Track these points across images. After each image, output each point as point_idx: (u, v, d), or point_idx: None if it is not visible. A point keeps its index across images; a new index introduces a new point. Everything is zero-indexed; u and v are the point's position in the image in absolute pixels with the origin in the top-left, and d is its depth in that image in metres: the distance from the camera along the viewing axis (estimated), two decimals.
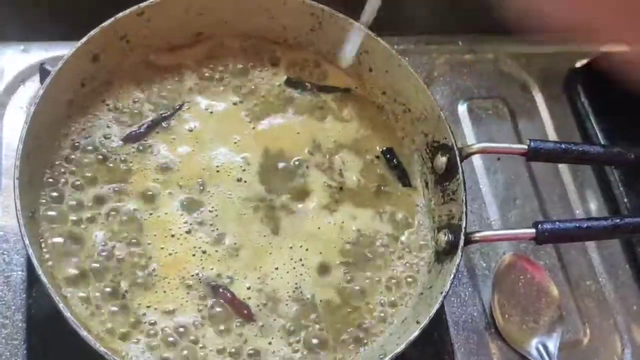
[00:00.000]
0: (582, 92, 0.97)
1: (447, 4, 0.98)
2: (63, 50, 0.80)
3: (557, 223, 0.66)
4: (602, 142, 0.92)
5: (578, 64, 1.00)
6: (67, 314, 0.55)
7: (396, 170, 0.76)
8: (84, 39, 0.66)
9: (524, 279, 0.82)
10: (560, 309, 0.80)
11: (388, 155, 0.77)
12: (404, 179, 0.76)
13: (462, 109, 0.93)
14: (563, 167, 0.91)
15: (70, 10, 0.85)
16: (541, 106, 0.97)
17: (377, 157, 0.77)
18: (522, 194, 0.89)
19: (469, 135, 0.92)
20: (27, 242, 0.56)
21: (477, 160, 0.89)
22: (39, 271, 0.55)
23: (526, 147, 0.69)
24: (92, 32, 0.66)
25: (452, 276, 0.65)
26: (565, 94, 0.97)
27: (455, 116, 0.92)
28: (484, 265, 0.83)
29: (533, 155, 0.69)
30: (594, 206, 0.91)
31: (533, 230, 0.67)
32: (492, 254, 0.83)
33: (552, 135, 0.95)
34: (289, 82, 0.78)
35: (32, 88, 0.78)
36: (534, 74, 0.98)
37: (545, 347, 0.77)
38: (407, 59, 0.90)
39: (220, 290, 0.65)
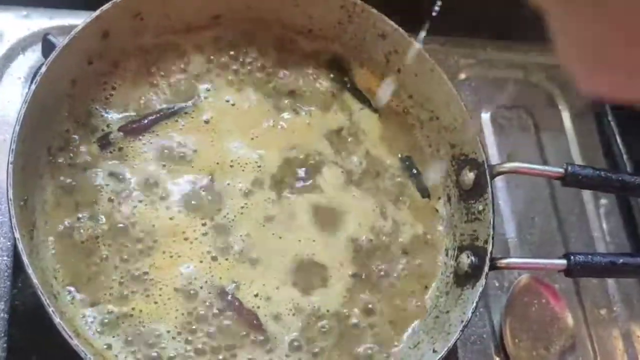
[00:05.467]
0: (609, 110, 0.92)
1: (479, 8, 0.93)
2: (68, 19, 0.75)
3: (589, 256, 0.61)
4: (627, 165, 0.88)
5: None
6: (57, 320, 0.49)
7: (416, 179, 0.72)
8: (95, 14, 0.60)
9: (539, 303, 0.78)
10: (573, 338, 0.77)
11: (407, 163, 0.72)
12: (423, 189, 0.72)
13: (485, 117, 0.89)
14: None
15: None
16: (566, 121, 0.92)
17: (398, 164, 0.72)
18: (542, 212, 0.85)
19: (490, 145, 0.87)
20: (17, 235, 0.51)
21: None
22: (29, 270, 0.50)
23: (563, 171, 0.64)
24: (105, 7, 0.60)
25: (474, 305, 0.60)
26: (592, 111, 0.93)
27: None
28: (497, 284, 0.79)
29: (570, 180, 0.64)
30: (614, 225, 0.87)
31: (564, 262, 0.62)
32: (506, 272, 0.79)
33: (575, 153, 0.90)
34: (330, 67, 0.72)
35: (32, 58, 0.72)
36: (562, 86, 0.93)
37: None
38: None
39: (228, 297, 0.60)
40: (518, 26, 0.93)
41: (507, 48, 0.92)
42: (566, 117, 0.92)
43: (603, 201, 0.88)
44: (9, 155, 0.53)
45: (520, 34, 0.92)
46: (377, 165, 0.71)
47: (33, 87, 0.56)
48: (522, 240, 0.82)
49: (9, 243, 0.64)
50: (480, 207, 0.66)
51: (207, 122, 0.67)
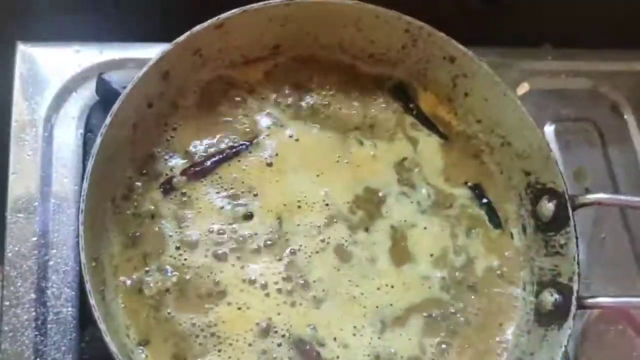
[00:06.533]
0: None
1: (536, 14, 0.88)
2: (119, 52, 0.72)
3: None
4: None
5: None
6: None
7: (487, 209, 0.68)
8: (157, 57, 0.57)
9: (615, 330, 0.74)
10: None
11: (477, 192, 0.69)
12: (495, 219, 0.68)
13: (549, 130, 0.85)
14: None
15: (123, 10, 0.76)
16: (633, 130, 0.88)
17: (467, 193, 0.68)
18: (612, 231, 0.81)
19: None
20: (93, 302, 0.49)
21: None
22: (107, 338, 0.48)
23: None
24: (166, 49, 0.58)
25: (562, 349, 0.57)
26: None
27: None
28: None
29: None
30: None
31: None
32: None
33: None
34: (395, 93, 0.69)
35: (85, 96, 0.70)
36: (627, 93, 0.89)
37: None
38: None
39: (306, 347, 0.58)
40: (581, 32, 0.89)
41: (570, 56, 0.88)
42: (632, 125, 0.88)
43: None
44: (78, 216, 0.51)
45: (584, 40, 0.89)
46: (446, 196, 0.68)
47: (99, 139, 0.53)
48: (592, 263, 0.78)
49: (73, 293, 0.62)
50: (562, 241, 0.62)
51: (270, 161, 0.64)
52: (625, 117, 0.88)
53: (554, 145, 0.84)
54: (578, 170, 0.84)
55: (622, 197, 0.63)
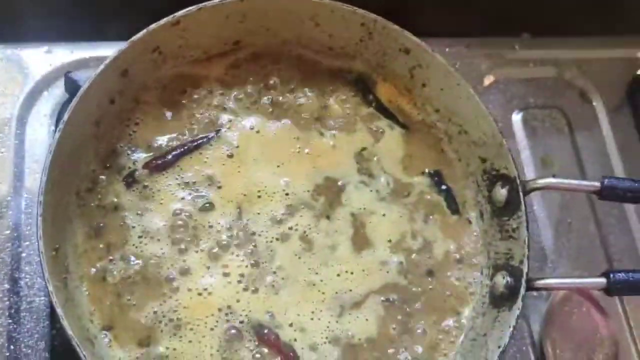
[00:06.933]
0: None
1: (503, 4, 0.89)
2: (89, 51, 0.75)
3: (631, 274, 0.59)
4: None
5: None
6: None
7: (446, 195, 0.70)
8: (113, 55, 0.60)
9: (579, 312, 0.76)
10: (616, 345, 0.75)
11: (436, 178, 0.71)
12: (453, 205, 0.70)
13: (516, 118, 0.86)
14: None
15: (95, 10, 0.79)
16: (602, 117, 0.89)
17: (427, 180, 0.70)
18: (579, 215, 0.82)
19: (523, 149, 0.85)
20: (51, 288, 0.51)
21: (530, 173, 0.82)
22: (64, 322, 0.51)
23: (599, 185, 0.62)
24: (123, 47, 0.60)
25: (511, 329, 0.59)
26: (629, 105, 0.90)
27: (508, 127, 0.85)
28: (535, 293, 0.77)
29: (607, 194, 0.62)
30: None
31: (603, 280, 0.60)
32: None
33: (612, 151, 0.87)
34: (356, 85, 0.71)
35: (56, 94, 0.73)
36: (595, 81, 0.90)
37: None
38: (458, 63, 0.84)
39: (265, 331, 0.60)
40: (546, 21, 0.90)
41: (537, 45, 0.90)
42: (601, 112, 0.89)
43: None
44: (37, 207, 0.53)
45: (550, 28, 0.90)
46: (404, 184, 0.70)
47: (57, 135, 0.56)
48: (559, 247, 0.80)
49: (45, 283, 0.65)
50: (514, 225, 0.64)
51: (231, 152, 0.66)
52: (594, 103, 0.89)
53: (521, 133, 0.86)
54: (545, 157, 0.85)
55: (572, 181, 0.64)
